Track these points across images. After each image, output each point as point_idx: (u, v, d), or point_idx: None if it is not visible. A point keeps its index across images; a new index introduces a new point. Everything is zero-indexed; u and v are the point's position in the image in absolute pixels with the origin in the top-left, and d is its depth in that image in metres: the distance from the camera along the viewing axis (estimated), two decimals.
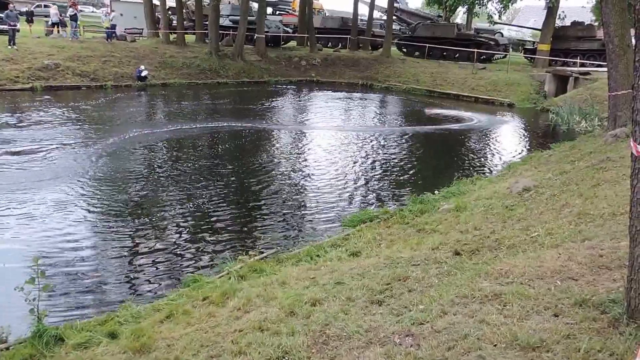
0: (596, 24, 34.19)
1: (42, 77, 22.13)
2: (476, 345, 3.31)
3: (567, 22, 36.10)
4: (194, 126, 17.04)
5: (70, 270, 7.13)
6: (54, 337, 5.05)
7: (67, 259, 7.43)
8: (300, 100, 26.09)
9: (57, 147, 13.09)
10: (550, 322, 3.42)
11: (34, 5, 44.69)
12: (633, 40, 3.47)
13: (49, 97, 20.24)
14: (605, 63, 13.45)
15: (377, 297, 4.49)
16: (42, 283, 5.23)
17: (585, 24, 34.40)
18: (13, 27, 23.80)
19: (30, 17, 32.34)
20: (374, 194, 11.33)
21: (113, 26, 29.51)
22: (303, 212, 10.04)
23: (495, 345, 3.28)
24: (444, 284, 4.59)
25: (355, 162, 13.76)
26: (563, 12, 35.94)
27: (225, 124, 17.65)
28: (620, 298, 3.48)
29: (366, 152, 15.14)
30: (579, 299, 3.65)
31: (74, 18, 28.17)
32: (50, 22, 30.09)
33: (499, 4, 33.13)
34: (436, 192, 10.54)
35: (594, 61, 29.32)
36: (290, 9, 49.40)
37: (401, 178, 12.59)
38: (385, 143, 16.51)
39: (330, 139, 16.59)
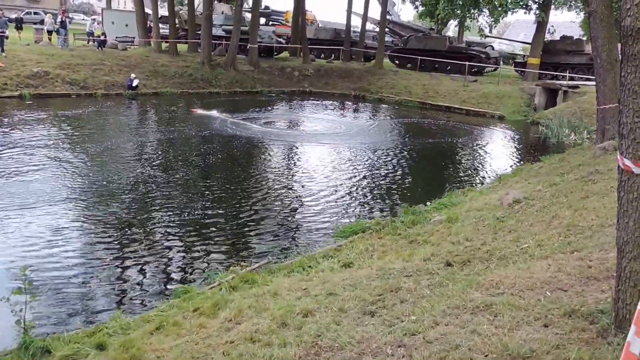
0: (585, 38, 34.62)
1: (30, 85, 22.01)
2: (467, 355, 3.33)
3: (557, 37, 36.54)
4: (184, 136, 17.02)
5: (58, 281, 7.07)
6: (41, 348, 4.98)
7: (55, 270, 7.36)
8: (292, 111, 26.17)
9: (43, 157, 13.02)
10: (540, 333, 3.45)
11: (24, 12, 44.57)
12: (619, 55, 3.55)
13: (37, 105, 20.13)
14: (594, 77, 13.61)
15: (369, 308, 4.50)
16: (29, 294, 5.17)
17: (574, 38, 34.83)
18: (1, 34, 23.72)
19: (19, 24, 32.26)
20: (366, 205, 11.35)
21: (96, 34, 29.79)
22: (295, 223, 10.04)
23: (486, 356, 3.30)
24: (436, 294, 4.61)
25: (347, 173, 13.79)
26: (552, 26, 36.44)
27: (215, 134, 17.66)
28: (608, 309, 3.51)
29: (358, 163, 15.18)
30: (568, 309, 3.68)
31: (63, 26, 28.13)
32: (45, 30, 30.10)
33: (490, 17, 33.47)
34: (428, 203, 10.58)
35: (582, 75, 29.65)
36: (283, 20, 49.60)
37: (393, 189, 12.64)
38: (377, 154, 16.57)
39: (321, 150, 16.64)
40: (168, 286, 7.19)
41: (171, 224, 9.37)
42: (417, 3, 43.34)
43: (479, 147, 19.42)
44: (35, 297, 5.44)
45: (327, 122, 22.62)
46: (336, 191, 12.08)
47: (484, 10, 32.87)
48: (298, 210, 10.74)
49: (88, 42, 29.72)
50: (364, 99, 30.88)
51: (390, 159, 15.97)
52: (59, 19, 28.82)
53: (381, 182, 13.16)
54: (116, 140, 15.60)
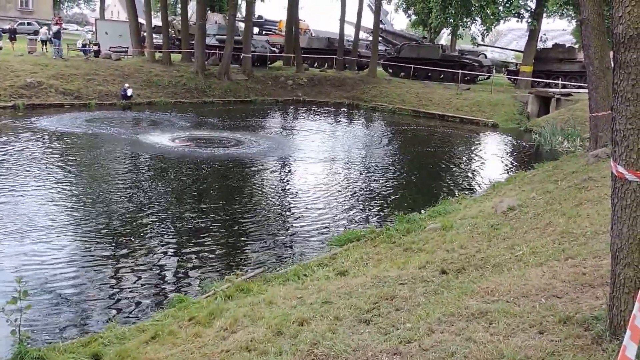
0: (577, 46, 34.90)
1: (24, 95, 22.01)
2: None
3: (549, 45, 36.83)
4: (178, 145, 16.99)
5: (53, 291, 7.03)
6: (36, 359, 4.97)
7: (50, 280, 7.32)
8: (285, 120, 26.22)
9: (35, 168, 12.97)
10: (536, 340, 3.45)
11: (17, 23, 44.58)
12: (612, 63, 3.59)
13: (31, 115, 20.07)
14: (586, 85, 13.69)
15: (364, 316, 4.49)
16: (24, 304, 5.14)
17: (566, 46, 35.10)
18: None
19: (13, 34, 32.31)
20: (361, 214, 11.36)
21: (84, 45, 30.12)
22: (290, 231, 10.03)
23: None
24: (431, 302, 4.61)
25: (341, 182, 13.81)
26: (544, 34, 36.72)
27: (209, 143, 17.65)
28: (603, 315, 3.53)
29: (352, 171, 15.21)
30: (563, 316, 3.69)
31: (57, 36, 28.13)
32: (39, 39, 30.28)
33: (482, 26, 33.73)
34: (422, 211, 10.59)
35: (575, 83, 29.86)
36: (276, 29, 49.78)
37: (387, 198, 12.65)
38: (371, 162, 16.60)
39: (315, 159, 16.64)
40: (163, 295, 7.16)
41: (166, 234, 9.34)
42: (410, 12, 43.64)
43: (473, 155, 19.49)
44: (31, 307, 5.41)
45: (320, 131, 22.67)
46: (330, 200, 12.08)
47: (477, 18, 33.13)
48: (293, 219, 10.73)
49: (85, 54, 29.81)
50: (357, 107, 30.95)
51: (384, 167, 16.01)
52: (54, 28, 28.83)
53: (375, 191, 13.18)
54: (109, 150, 15.58)
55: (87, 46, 30.34)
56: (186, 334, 5.17)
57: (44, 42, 29.80)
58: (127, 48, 33.43)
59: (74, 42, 32.04)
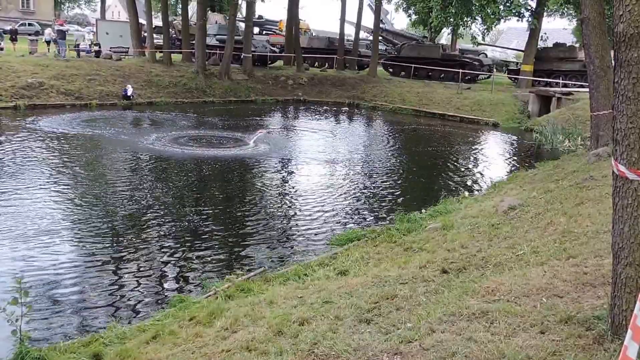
0: (577, 45, 34.88)
1: (25, 96, 22.02)
2: None
3: (550, 44, 36.78)
4: (178, 145, 17.00)
5: (54, 291, 7.03)
6: (37, 359, 4.96)
7: (51, 280, 7.33)
8: (286, 120, 26.21)
9: (37, 165, 12.99)
10: (537, 339, 3.45)
11: (18, 24, 44.68)
12: (613, 62, 3.59)
13: (32, 115, 20.08)
14: (587, 84, 13.68)
15: (365, 316, 4.49)
16: (25, 304, 5.14)
17: (567, 45, 35.07)
18: None
19: (14, 35, 32.39)
20: (361, 213, 11.34)
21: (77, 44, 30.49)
22: (290, 231, 10.02)
23: None
24: (432, 302, 4.60)
25: (341, 181, 13.80)
26: (545, 33, 36.70)
27: (209, 144, 17.64)
28: (604, 315, 3.52)
29: (352, 171, 15.19)
30: (564, 316, 3.69)
31: (62, 36, 28.15)
32: (44, 40, 30.48)
33: (483, 25, 33.71)
34: (423, 210, 10.57)
35: (576, 82, 29.83)
36: (277, 29, 49.79)
37: (388, 197, 12.63)
38: (372, 162, 16.59)
39: (316, 159, 16.64)
40: (164, 295, 7.16)
41: (167, 234, 9.33)
42: (410, 11, 43.65)
43: (474, 154, 19.48)
44: (31, 307, 5.41)
45: (320, 131, 22.67)
46: (331, 199, 12.07)
47: (477, 18, 33.11)
48: (293, 219, 10.72)
49: (79, 54, 29.95)
50: (358, 107, 30.95)
51: (384, 166, 15.99)
52: (57, 28, 28.88)
53: (376, 190, 13.16)
54: (110, 150, 15.59)
55: (79, 46, 30.42)
56: (187, 334, 5.16)
57: (48, 42, 29.89)
58: (128, 48, 33.46)
59: (74, 43, 32.09)
